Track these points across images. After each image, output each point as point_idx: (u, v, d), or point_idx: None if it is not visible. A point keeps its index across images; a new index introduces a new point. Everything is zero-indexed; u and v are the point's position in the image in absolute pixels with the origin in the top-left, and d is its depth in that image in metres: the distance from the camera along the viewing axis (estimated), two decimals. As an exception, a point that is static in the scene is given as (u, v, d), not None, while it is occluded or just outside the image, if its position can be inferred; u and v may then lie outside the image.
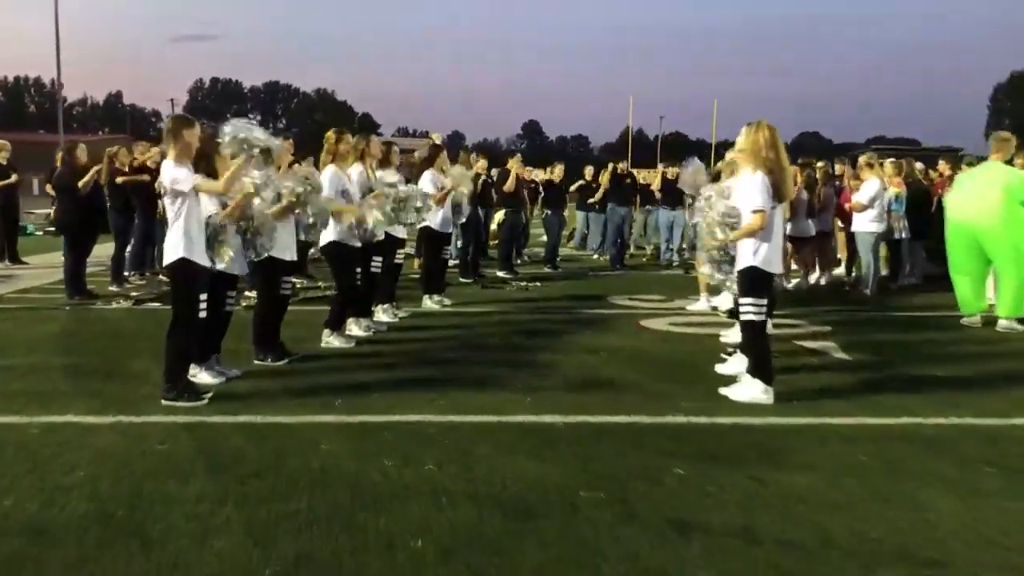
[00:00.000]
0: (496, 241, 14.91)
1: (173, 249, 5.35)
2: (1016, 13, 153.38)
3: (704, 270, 5.55)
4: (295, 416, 5.14)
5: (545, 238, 17.13)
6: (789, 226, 9.92)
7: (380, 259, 7.98)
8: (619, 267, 14.28)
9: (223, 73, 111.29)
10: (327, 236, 7.03)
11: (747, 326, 5.59)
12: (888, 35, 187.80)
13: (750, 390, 5.53)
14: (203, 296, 5.45)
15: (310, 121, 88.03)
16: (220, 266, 5.58)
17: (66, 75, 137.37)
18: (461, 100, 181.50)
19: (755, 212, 5.38)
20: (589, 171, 17.27)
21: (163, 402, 5.35)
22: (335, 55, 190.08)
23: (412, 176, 9.54)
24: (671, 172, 14.50)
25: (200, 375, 5.89)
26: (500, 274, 12.84)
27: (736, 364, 6.34)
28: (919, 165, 13.10)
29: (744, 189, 5.54)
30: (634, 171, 15.14)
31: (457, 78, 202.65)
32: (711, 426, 5.07)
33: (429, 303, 9.54)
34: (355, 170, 7.49)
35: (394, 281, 8.79)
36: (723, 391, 5.70)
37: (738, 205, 6.10)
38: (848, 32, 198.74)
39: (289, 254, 6.60)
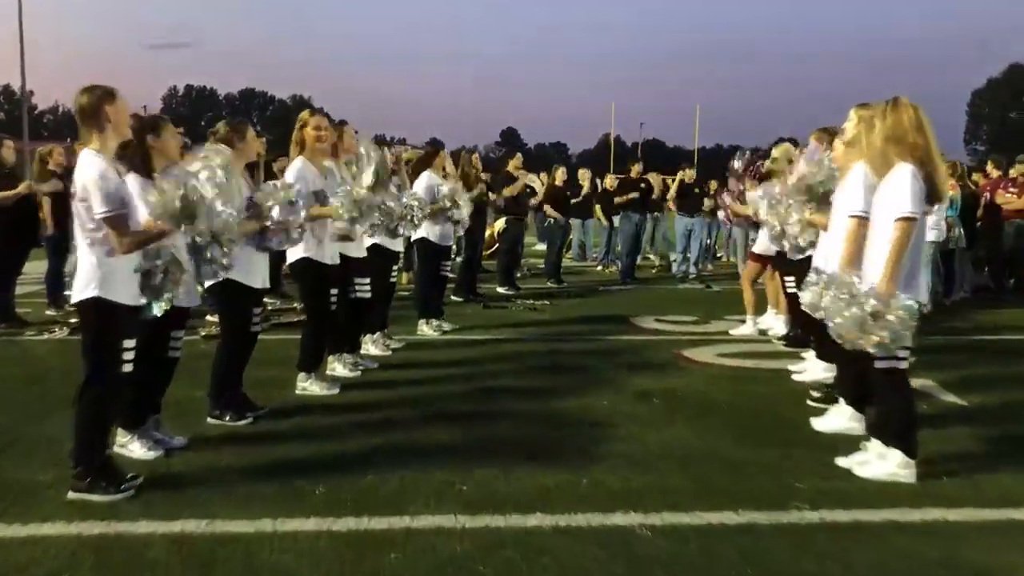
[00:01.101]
0: (490, 251, 13.42)
1: (84, 282, 3.79)
2: (994, 17, 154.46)
3: (806, 299, 4.07)
4: (256, 520, 3.57)
5: (540, 248, 15.74)
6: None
7: (366, 281, 6.45)
8: (629, 281, 12.82)
9: (199, 80, 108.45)
10: (296, 251, 5.46)
11: (885, 378, 4.07)
12: (866, 40, 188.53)
13: (887, 465, 4.04)
14: (128, 344, 3.86)
15: (286, 129, 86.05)
16: (155, 312, 4.01)
17: (37, 82, 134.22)
18: (438, 107, 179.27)
19: (902, 220, 3.86)
20: (585, 175, 15.85)
21: (70, 494, 3.79)
22: (311, 62, 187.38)
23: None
24: (688, 175, 13.07)
25: (131, 445, 4.33)
26: (501, 290, 11.32)
27: (839, 418, 4.86)
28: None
29: (889, 188, 4.00)
30: (649, 176, 13.66)
31: (434, 85, 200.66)
32: (856, 526, 3.57)
33: (426, 329, 8.01)
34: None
35: (387, 305, 7.25)
36: (845, 463, 4.21)
37: (846, 210, 4.66)
38: (827, 40, 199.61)
39: (259, 279, 5.06)
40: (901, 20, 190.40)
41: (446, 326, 8.20)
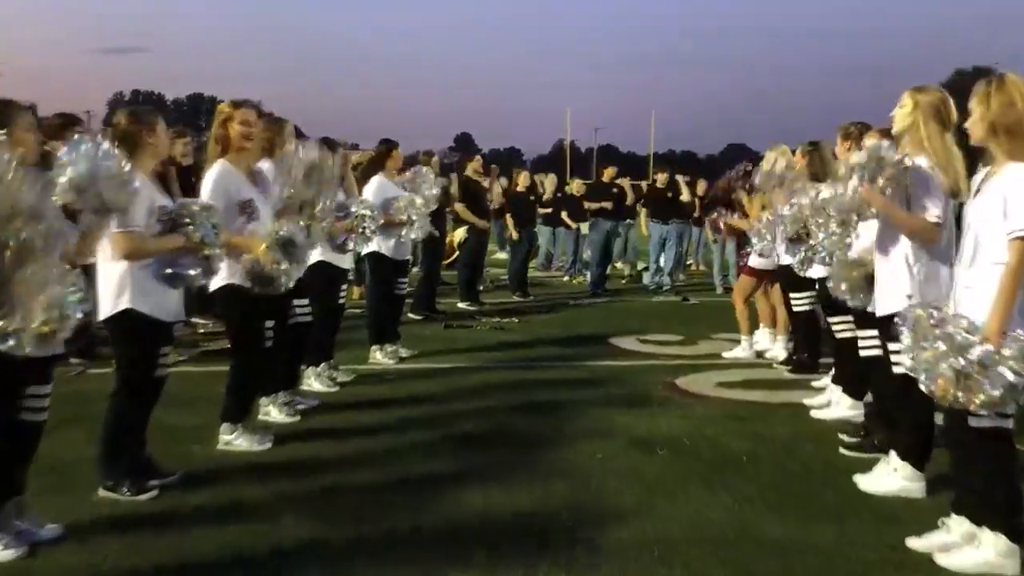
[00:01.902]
0: (449, 262, 12.36)
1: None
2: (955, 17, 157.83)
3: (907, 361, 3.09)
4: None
5: (502, 256, 14.82)
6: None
7: (306, 303, 5.41)
8: (600, 292, 11.90)
9: (147, 86, 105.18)
10: (219, 277, 4.37)
11: (983, 440, 3.12)
12: (820, 48, 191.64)
13: (983, 552, 3.11)
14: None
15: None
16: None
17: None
18: (392, 111, 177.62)
19: (1018, 239, 2.91)
20: (551, 180, 15.01)
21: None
22: (261, 68, 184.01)
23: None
24: (661, 179, 12.21)
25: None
26: (463, 306, 10.30)
27: (892, 478, 3.93)
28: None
29: (996, 195, 3.02)
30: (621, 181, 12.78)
31: (388, 90, 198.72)
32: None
33: (380, 357, 6.95)
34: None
35: (333, 330, 6.19)
36: (921, 547, 3.28)
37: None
38: (782, 48, 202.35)
39: (169, 309, 3.98)
40: (854, 27, 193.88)
41: (403, 352, 7.16)
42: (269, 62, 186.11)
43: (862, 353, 4.57)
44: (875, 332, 4.23)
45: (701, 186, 15.28)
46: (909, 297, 3.69)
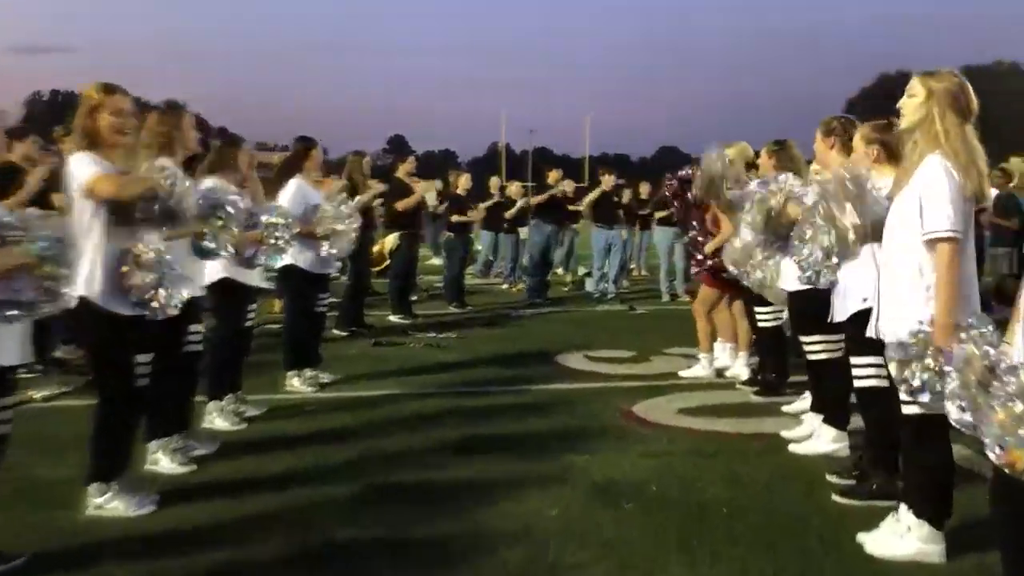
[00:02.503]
0: (379, 269, 11.52)
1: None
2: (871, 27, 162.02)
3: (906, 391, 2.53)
4: None
5: (436, 262, 14.09)
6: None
7: (198, 329, 4.58)
8: (540, 301, 11.21)
9: (69, 86, 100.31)
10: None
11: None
12: (749, 52, 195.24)
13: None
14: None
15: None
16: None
17: None
18: (323, 112, 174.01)
19: None
20: (495, 183, 14.34)
21: None
22: (191, 68, 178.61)
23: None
24: (607, 181, 11.58)
25: None
26: (394, 319, 9.50)
27: (904, 540, 3.28)
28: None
29: None
30: (565, 183, 12.12)
31: (318, 90, 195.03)
32: None
33: (297, 384, 6.11)
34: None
35: (240, 357, 5.34)
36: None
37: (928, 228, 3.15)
38: (707, 51, 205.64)
39: (10, 351, 3.11)
40: (781, 31, 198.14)
41: (324, 377, 6.32)
42: (195, 62, 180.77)
43: (858, 384, 3.95)
44: (876, 360, 3.62)
45: (644, 188, 14.81)
46: (920, 323, 3.06)
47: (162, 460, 4.29)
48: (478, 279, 14.23)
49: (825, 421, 4.65)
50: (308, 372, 6.22)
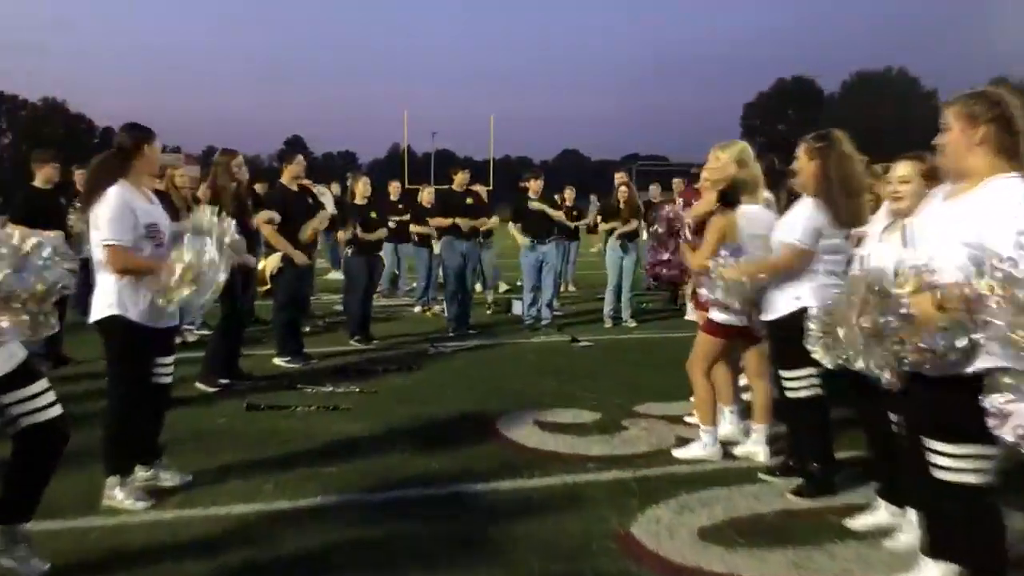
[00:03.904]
0: (264, 291, 9.28)
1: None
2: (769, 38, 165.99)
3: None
4: None
5: (336, 277, 12.02)
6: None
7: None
8: (464, 332, 9.25)
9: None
10: None
11: None
12: (651, 57, 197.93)
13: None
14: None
15: (36, 137, 72.34)
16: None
17: None
18: (217, 114, 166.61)
19: None
20: (395, 188, 12.33)
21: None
22: (74, 67, 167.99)
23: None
24: (535, 187, 9.72)
25: None
26: (280, 363, 7.40)
27: None
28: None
29: None
30: (477, 188, 10.12)
31: (212, 90, 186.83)
32: None
33: (120, 496, 3.96)
34: None
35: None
36: None
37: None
38: (604, 57, 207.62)
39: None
40: (679, 40, 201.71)
41: (167, 479, 4.18)
42: (80, 62, 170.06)
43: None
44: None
45: (569, 194, 13.08)
46: None
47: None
48: (384, 299, 12.13)
49: (931, 552, 2.87)
50: (141, 474, 4.10)
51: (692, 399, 5.18)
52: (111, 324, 3.93)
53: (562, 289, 13.42)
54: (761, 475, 4.49)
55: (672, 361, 6.17)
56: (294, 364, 7.38)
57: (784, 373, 4.22)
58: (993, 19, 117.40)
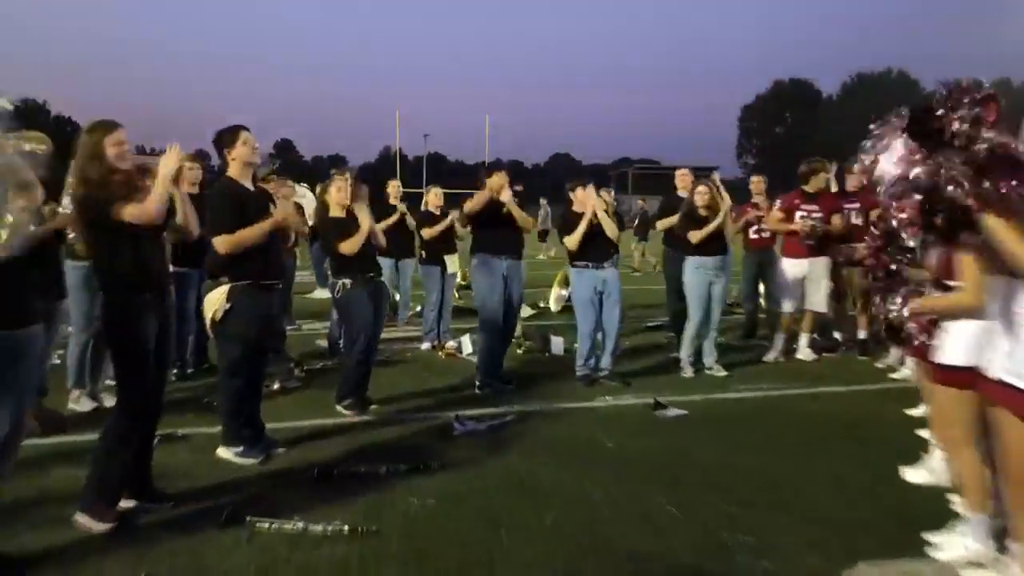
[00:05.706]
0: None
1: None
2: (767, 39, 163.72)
3: None
4: None
5: (323, 296, 9.47)
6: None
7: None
8: (501, 384, 6.64)
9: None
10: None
11: None
12: (643, 59, 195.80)
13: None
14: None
15: None
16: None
17: None
18: (204, 116, 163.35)
19: None
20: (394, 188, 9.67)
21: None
22: (49, 62, 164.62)
23: None
24: (580, 196, 7.06)
25: None
26: (224, 454, 4.77)
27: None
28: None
29: None
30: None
31: (200, 90, 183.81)
32: None
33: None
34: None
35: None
36: None
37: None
38: (594, 64, 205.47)
39: None
40: (673, 41, 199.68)
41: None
42: (54, 56, 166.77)
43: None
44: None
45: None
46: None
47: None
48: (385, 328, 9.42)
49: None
50: None
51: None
52: None
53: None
54: None
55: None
56: (246, 459, 4.73)
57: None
58: (993, 20, 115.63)
